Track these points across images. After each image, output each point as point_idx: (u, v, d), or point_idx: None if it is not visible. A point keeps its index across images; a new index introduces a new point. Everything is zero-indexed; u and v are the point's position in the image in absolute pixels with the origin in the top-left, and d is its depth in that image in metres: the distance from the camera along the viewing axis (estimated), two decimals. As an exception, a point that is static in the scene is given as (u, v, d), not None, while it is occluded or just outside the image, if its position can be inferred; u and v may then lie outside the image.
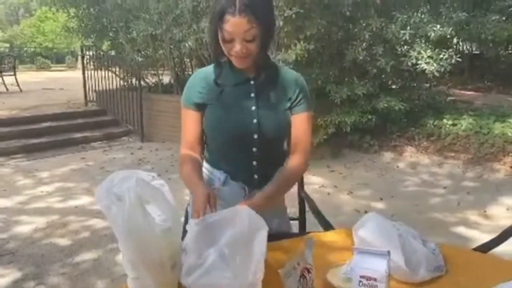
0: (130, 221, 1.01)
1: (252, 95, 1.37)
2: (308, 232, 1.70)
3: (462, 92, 8.71)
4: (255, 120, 1.35)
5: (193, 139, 1.41)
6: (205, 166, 1.47)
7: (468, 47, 9.73)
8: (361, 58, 5.03)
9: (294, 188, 2.35)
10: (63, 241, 3.24)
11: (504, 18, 6.63)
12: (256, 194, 1.33)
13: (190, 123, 1.41)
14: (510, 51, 9.60)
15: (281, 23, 4.45)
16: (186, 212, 1.61)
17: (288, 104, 1.40)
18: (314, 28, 4.68)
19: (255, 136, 1.36)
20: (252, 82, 1.37)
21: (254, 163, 1.41)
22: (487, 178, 4.61)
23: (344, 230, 1.43)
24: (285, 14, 4.43)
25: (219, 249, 0.95)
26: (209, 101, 1.37)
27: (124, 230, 1.03)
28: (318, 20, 4.71)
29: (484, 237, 3.16)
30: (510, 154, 4.72)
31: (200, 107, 1.38)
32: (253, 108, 1.36)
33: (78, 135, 6.47)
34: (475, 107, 6.43)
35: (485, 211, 3.82)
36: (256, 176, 1.42)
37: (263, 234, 0.97)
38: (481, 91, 9.10)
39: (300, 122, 1.41)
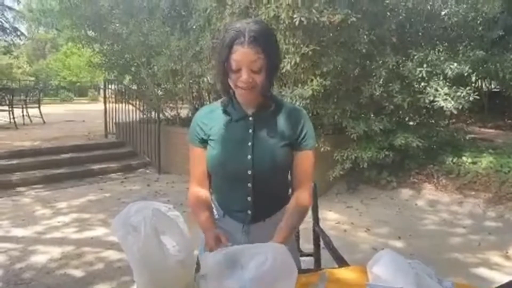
0: (145, 251, 1.02)
1: (250, 131, 1.40)
2: (323, 268, 1.68)
3: (482, 130, 8.62)
4: (249, 156, 1.38)
5: (201, 175, 1.46)
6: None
7: (487, 85, 9.68)
8: (377, 94, 5.06)
9: (309, 224, 2.35)
10: (78, 272, 3.24)
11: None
12: (278, 230, 1.35)
13: (197, 159, 1.46)
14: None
15: (297, 59, 4.54)
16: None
17: (288, 141, 1.41)
18: (331, 65, 4.75)
19: (249, 172, 1.38)
20: (250, 118, 1.41)
21: (249, 198, 1.43)
22: (509, 218, 4.48)
23: (358, 266, 1.40)
24: (302, 51, 4.53)
25: (243, 282, 0.95)
26: (210, 137, 1.42)
27: (139, 259, 1.04)
28: (334, 57, 4.79)
29: (505, 279, 3.04)
30: (532, 193, 4.59)
31: (204, 142, 1.44)
32: (249, 144, 1.39)
33: (96, 166, 6.58)
34: (496, 145, 6.33)
35: (507, 252, 3.69)
36: (249, 212, 1.45)
37: (293, 276, 0.96)
38: (501, 129, 8.98)
39: (305, 159, 1.45)
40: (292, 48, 4.56)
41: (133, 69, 7.90)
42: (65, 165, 6.43)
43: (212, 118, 1.42)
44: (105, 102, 8.33)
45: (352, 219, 4.58)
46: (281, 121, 1.42)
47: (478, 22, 5.92)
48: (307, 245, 2.35)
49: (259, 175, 1.38)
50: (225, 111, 1.42)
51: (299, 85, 4.82)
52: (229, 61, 1.29)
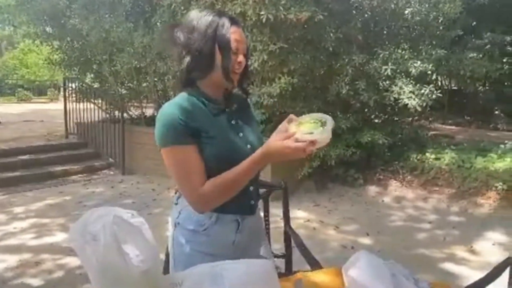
0: (105, 262, 0.93)
1: (233, 122, 1.34)
2: (296, 271, 1.63)
3: (443, 126, 8.90)
4: (248, 146, 1.33)
5: (203, 175, 1.24)
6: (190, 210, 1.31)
7: (447, 83, 10.00)
8: (344, 92, 5.09)
9: (279, 224, 2.30)
10: (36, 281, 3.06)
11: (481, 56, 6.87)
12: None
13: (193, 159, 1.22)
14: (487, 87, 9.90)
15: (265, 57, 4.49)
16: (167, 250, 1.51)
17: (257, 125, 1.46)
18: (298, 63, 4.74)
19: None
20: (227, 110, 1.35)
21: (251, 188, 1.38)
22: (472, 213, 4.60)
23: (333, 269, 1.36)
24: (270, 49, 4.48)
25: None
26: (203, 133, 1.25)
27: (99, 271, 0.95)
28: (301, 54, 4.77)
29: (472, 274, 3.11)
30: (493, 188, 4.73)
31: (195, 138, 1.24)
32: (241, 134, 1.34)
33: (57, 168, 6.29)
34: (457, 141, 6.53)
35: (471, 247, 3.78)
36: (252, 202, 1.41)
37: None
38: (461, 126, 9.31)
39: None
40: (260, 45, 4.50)
41: (95, 66, 7.63)
42: (22, 168, 6.11)
43: (192, 112, 1.25)
44: (65, 101, 7.99)
45: (321, 217, 4.58)
46: (244, 108, 1.44)
47: (440, 21, 6.07)
48: (277, 246, 2.30)
49: None
50: (203, 104, 1.29)
51: (267, 83, 4.77)
52: (227, 42, 1.25)
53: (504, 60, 8.24)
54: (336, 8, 5.05)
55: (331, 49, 4.97)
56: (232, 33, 1.26)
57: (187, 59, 1.27)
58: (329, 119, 1.17)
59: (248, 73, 1.40)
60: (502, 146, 5.68)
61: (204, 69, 1.28)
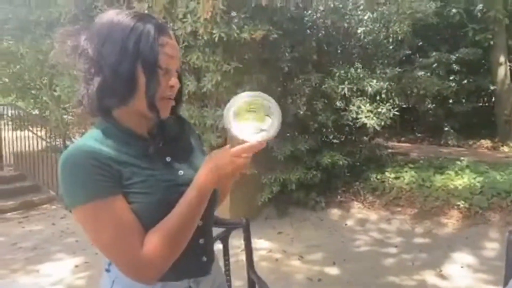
0: None
1: (168, 159, 1.01)
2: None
3: (396, 144, 8.97)
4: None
5: (142, 235, 0.91)
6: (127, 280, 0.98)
7: (397, 101, 10.18)
8: (302, 113, 4.91)
9: (241, 256, 1.98)
10: None
11: (429, 74, 7.00)
12: None
13: (127, 213, 0.91)
14: (435, 105, 10.16)
15: (219, 78, 4.22)
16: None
17: (204, 155, 1.10)
18: (254, 83, 4.50)
19: None
20: (161, 144, 1.00)
21: (201, 241, 1.06)
22: (436, 233, 4.49)
23: None
24: (224, 69, 4.22)
25: None
26: (131, 181, 0.93)
27: None
28: (257, 74, 4.55)
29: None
30: (455, 207, 4.68)
31: (122, 188, 0.93)
32: (181, 172, 1.01)
33: (-12, 205, 5.63)
34: (413, 159, 6.51)
35: (440, 271, 3.63)
36: (205, 259, 1.08)
37: None
38: (413, 143, 9.45)
39: None
40: (213, 65, 4.23)
41: (33, 91, 7.03)
42: None
43: (113, 155, 0.93)
44: (-1, 130, 7.30)
45: (284, 246, 4.30)
46: (182, 136, 1.11)
47: (390, 41, 6.12)
48: (238, 283, 1.99)
49: (207, 208, 0.98)
50: (125, 142, 0.96)
51: (222, 105, 4.49)
52: (156, 60, 0.93)
53: (451, 78, 8.49)
54: (291, 27, 4.90)
55: (286, 68, 4.80)
56: (162, 46, 0.93)
57: (98, 79, 0.92)
58: (271, 102, 0.93)
59: (182, 97, 1.08)
60: (458, 162, 5.70)
61: (121, 95, 0.94)
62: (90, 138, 0.94)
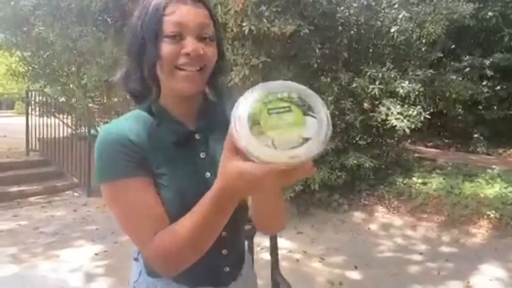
0: None
1: (202, 155, 0.92)
2: None
3: (423, 149, 8.73)
4: None
5: (158, 223, 0.83)
6: (144, 280, 0.96)
7: (427, 105, 9.93)
8: (329, 112, 4.78)
9: (268, 271, 1.90)
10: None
11: (460, 78, 6.76)
12: None
13: (144, 198, 0.84)
14: (465, 110, 9.86)
15: (247, 72, 4.14)
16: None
17: None
18: (281, 79, 4.41)
19: None
20: (197, 137, 0.92)
21: (224, 251, 0.97)
22: (464, 243, 4.31)
23: None
24: (252, 63, 4.14)
25: None
26: (155, 169, 0.87)
27: None
28: (285, 70, 4.45)
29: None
30: (485, 217, 4.48)
31: (145, 169, 0.86)
32: (207, 175, 0.91)
33: (13, 188, 5.70)
34: (440, 164, 6.31)
35: (468, 282, 3.47)
36: (227, 269, 0.99)
37: None
38: (440, 148, 9.19)
39: None
40: (241, 59, 4.16)
41: (61, 79, 7.10)
42: (-27, 187, 5.51)
43: (142, 137, 0.87)
44: (27, 115, 7.40)
45: (304, 247, 4.20)
46: (221, 128, 0.94)
47: (423, 42, 5.91)
48: (260, 282, 1.90)
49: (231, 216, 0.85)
50: (158, 126, 0.90)
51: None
52: (161, 31, 0.84)
53: (484, 83, 8.20)
54: (322, 23, 4.78)
55: (315, 65, 4.68)
56: (170, 14, 0.84)
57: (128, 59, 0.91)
58: (307, 93, 0.66)
59: (221, 69, 0.95)
60: (489, 171, 5.48)
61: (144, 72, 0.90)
62: (128, 116, 0.92)
